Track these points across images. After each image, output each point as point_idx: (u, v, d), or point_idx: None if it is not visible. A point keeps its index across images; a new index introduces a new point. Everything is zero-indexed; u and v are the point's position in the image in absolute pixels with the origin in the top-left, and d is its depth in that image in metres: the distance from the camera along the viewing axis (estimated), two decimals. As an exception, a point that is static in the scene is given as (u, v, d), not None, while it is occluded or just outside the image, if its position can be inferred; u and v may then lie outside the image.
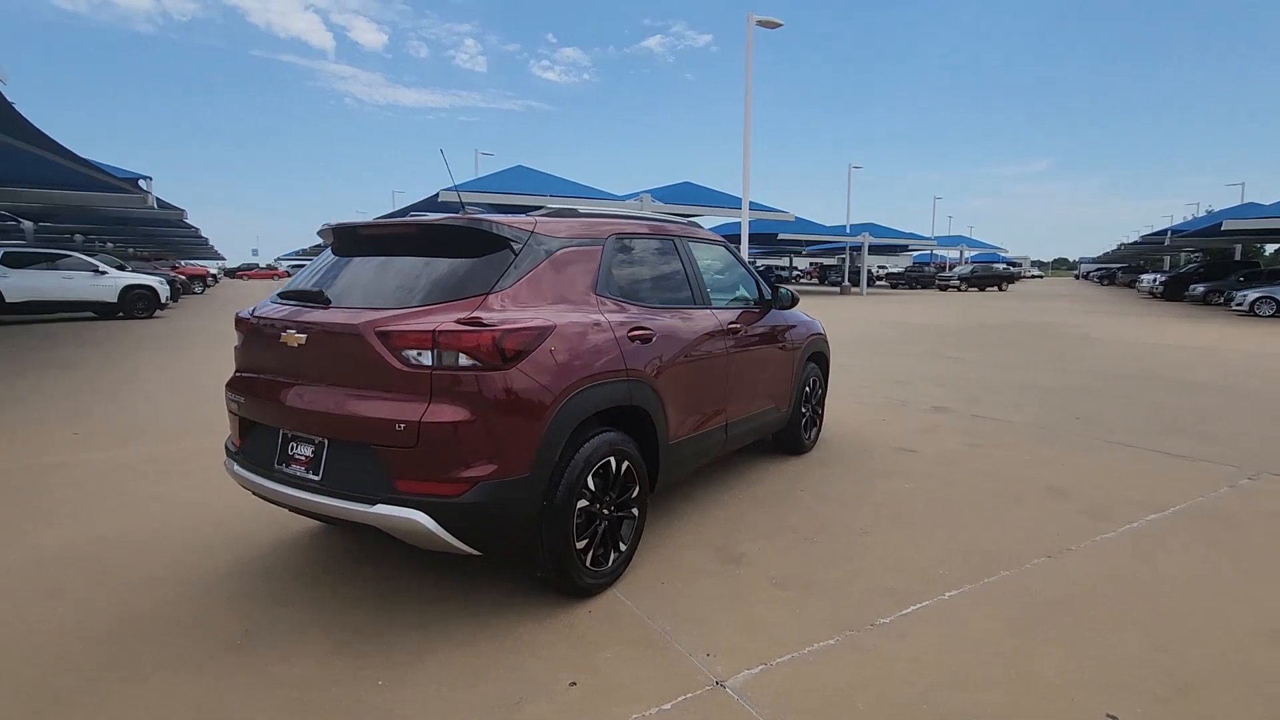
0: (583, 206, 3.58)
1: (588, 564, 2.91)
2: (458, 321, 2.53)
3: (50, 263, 16.37)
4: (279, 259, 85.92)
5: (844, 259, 41.62)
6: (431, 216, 2.98)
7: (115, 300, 17.29)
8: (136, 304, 17.67)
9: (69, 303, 16.59)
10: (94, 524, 3.81)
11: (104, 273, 17.38)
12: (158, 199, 18.26)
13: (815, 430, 5.46)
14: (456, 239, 2.89)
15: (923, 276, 43.10)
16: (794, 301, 4.78)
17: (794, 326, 5.00)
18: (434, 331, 2.49)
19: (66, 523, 3.83)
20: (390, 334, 2.53)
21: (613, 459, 3.00)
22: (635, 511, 3.20)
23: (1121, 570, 3.27)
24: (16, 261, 15.63)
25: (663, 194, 23.41)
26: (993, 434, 5.93)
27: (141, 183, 16.84)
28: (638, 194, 21.79)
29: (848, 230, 37.31)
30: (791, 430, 5.08)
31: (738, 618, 2.83)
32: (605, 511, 3.01)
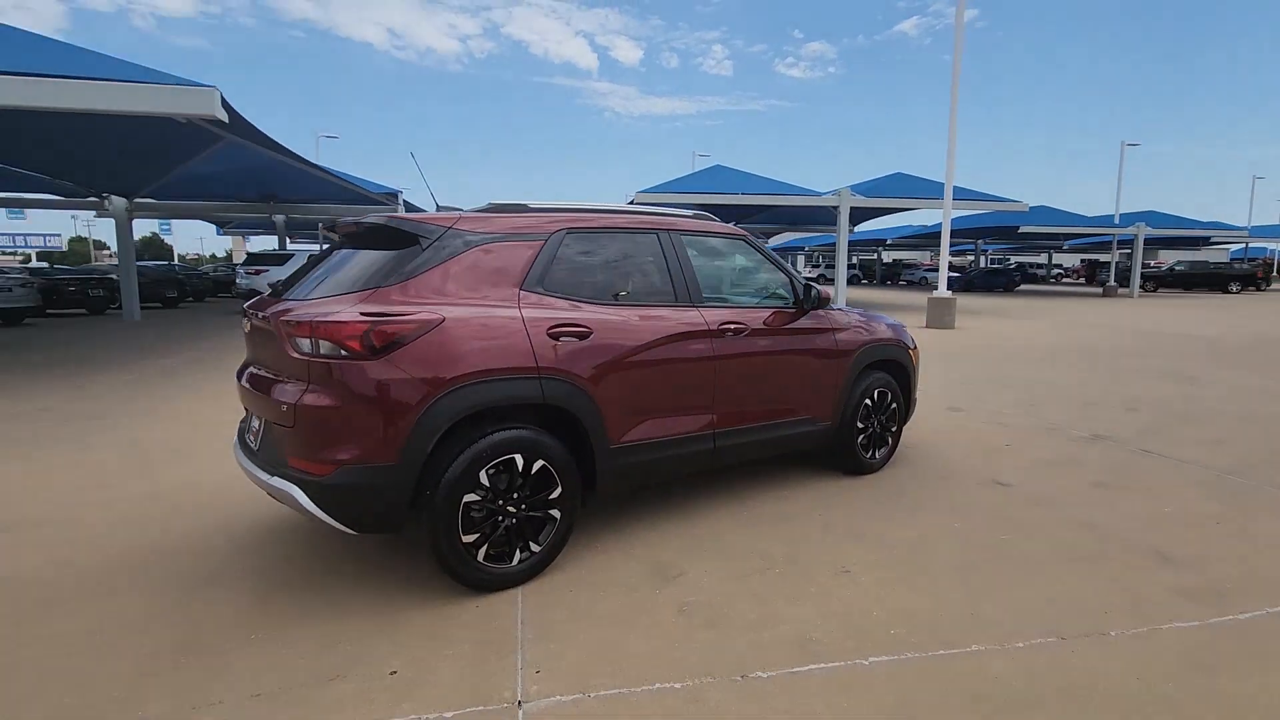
0: (563, 203, 3.53)
1: (480, 559, 2.91)
2: (338, 314, 2.70)
3: (280, 263, 20.11)
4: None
5: (1125, 254, 34.77)
6: (373, 217, 3.19)
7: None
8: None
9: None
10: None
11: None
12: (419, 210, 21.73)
13: (885, 450, 4.76)
14: (382, 236, 3.06)
15: (1207, 274, 34.11)
16: (821, 302, 4.20)
17: (843, 330, 4.41)
18: (311, 322, 2.69)
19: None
20: (286, 324, 2.78)
21: (519, 456, 2.96)
22: (556, 514, 3.11)
23: (1151, 674, 2.39)
24: (253, 261, 19.39)
25: (866, 188, 21.79)
26: (1144, 475, 4.64)
27: (401, 196, 20.03)
28: (835, 190, 20.55)
29: (1116, 220, 31.27)
30: (843, 447, 4.49)
31: (606, 639, 2.62)
32: (511, 509, 2.98)
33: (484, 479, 2.87)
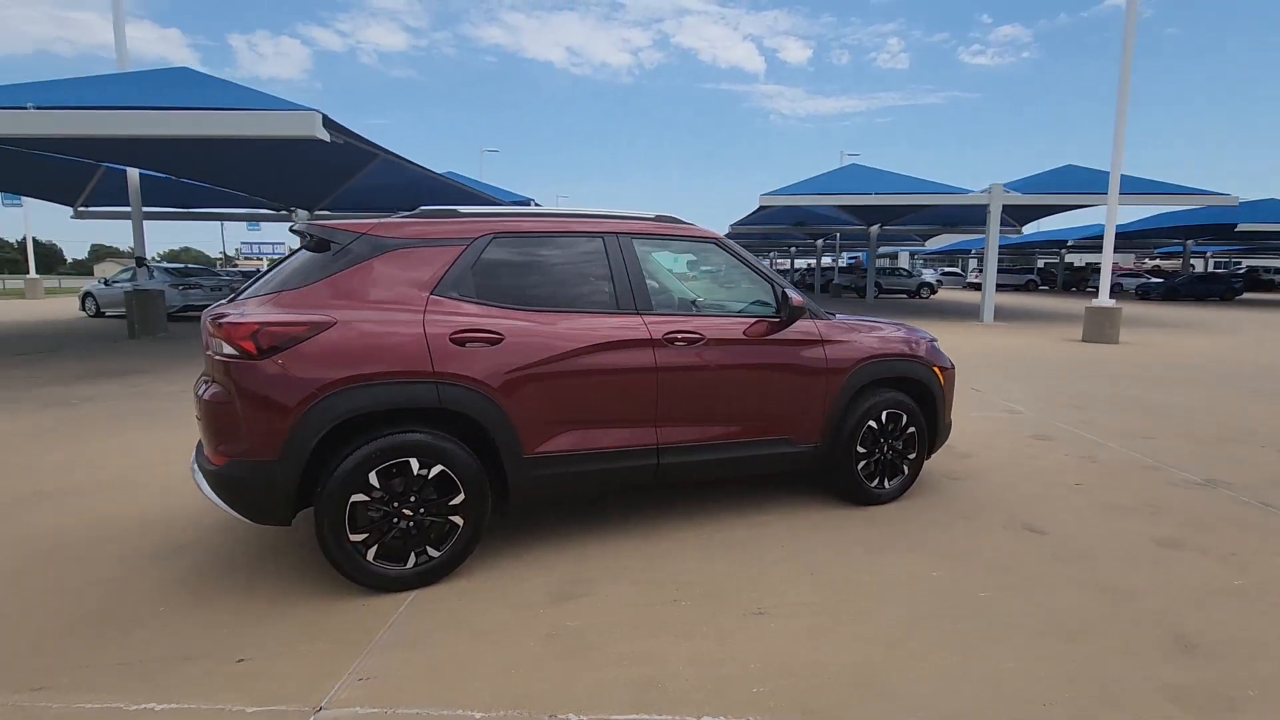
0: (527, 208, 3.51)
1: (369, 558, 2.95)
2: (237, 315, 2.87)
3: None
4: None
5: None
6: (299, 224, 3.35)
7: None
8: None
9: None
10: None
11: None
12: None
13: (900, 480, 4.19)
14: (311, 241, 3.21)
15: None
16: (794, 311, 3.74)
17: (836, 343, 3.94)
18: (215, 323, 2.88)
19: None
20: (207, 326, 3.00)
21: (414, 460, 2.96)
22: (458, 520, 3.08)
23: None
24: None
25: (1026, 184, 19.41)
26: (1240, 535, 3.67)
27: (532, 203, 21.19)
28: (986, 187, 18.51)
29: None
30: (839, 473, 4.02)
31: (458, 655, 2.54)
32: (407, 512, 2.99)
33: (374, 480, 2.90)
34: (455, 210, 3.37)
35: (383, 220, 3.23)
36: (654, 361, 3.43)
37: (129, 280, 17.15)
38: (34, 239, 33.71)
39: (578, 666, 2.48)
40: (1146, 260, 52.11)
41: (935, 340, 4.49)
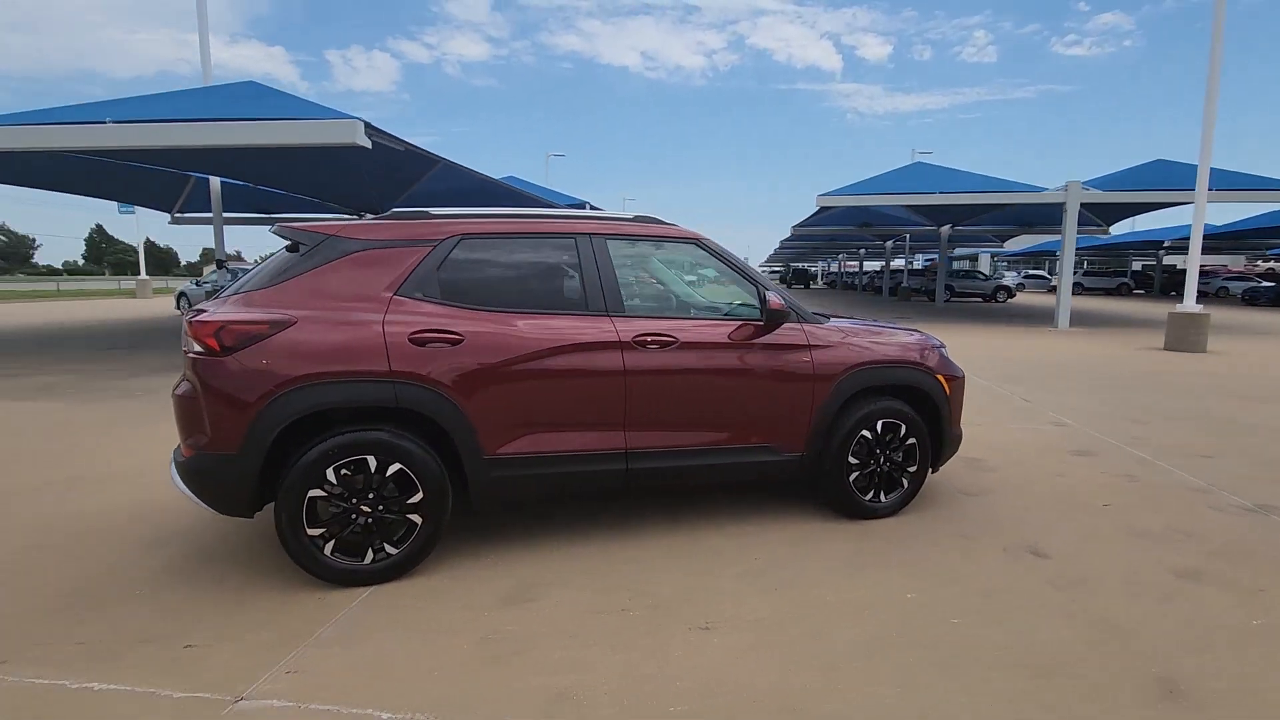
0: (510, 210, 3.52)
1: (327, 553, 3.01)
2: (206, 314, 2.99)
3: None
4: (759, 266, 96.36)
5: None
6: (298, 225, 3.45)
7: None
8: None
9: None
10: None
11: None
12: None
13: (899, 494, 3.95)
14: (287, 241, 3.32)
15: None
16: (773, 315, 3.58)
17: (825, 347, 3.75)
18: (187, 321, 3.01)
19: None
20: (185, 325, 3.14)
21: (372, 458, 3.01)
22: (417, 519, 3.11)
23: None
24: None
25: (1108, 181, 18.09)
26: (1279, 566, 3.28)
27: (587, 207, 21.41)
28: (1062, 185, 17.34)
29: None
30: (829, 484, 3.83)
31: (392, 654, 2.55)
32: (366, 509, 3.04)
33: (331, 476, 2.96)
34: (427, 212, 3.41)
35: (351, 222, 3.30)
36: (622, 364, 3.37)
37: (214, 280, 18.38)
38: (148, 243, 36.66)
39: (501, 672, 2.44)
40: (1259, 262, 47.58)
41: (943, 346, 4.22)
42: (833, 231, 32.42)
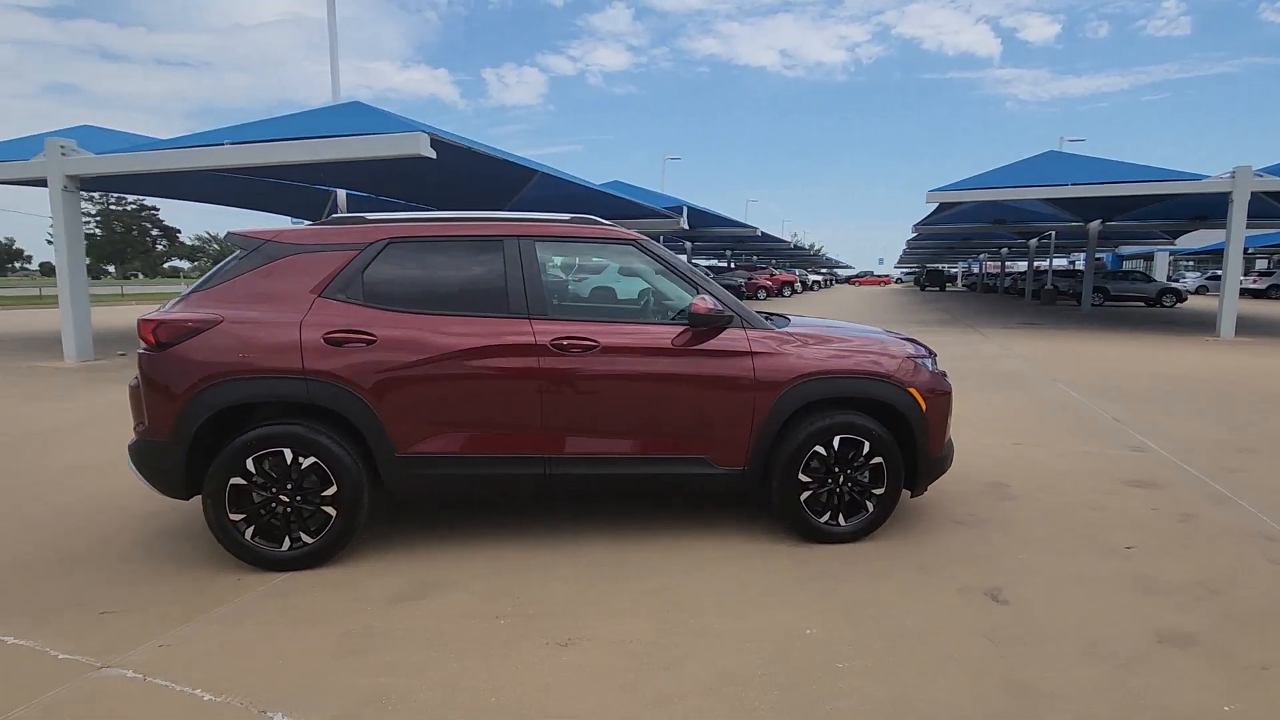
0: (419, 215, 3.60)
1: (248, 537, 3.21)
2: (149, 314, 3.29)
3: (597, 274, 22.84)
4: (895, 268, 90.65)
5: None
6: (243, 231, 3.70)
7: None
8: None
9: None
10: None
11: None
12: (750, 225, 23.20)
13: (862, 519, 3.58)
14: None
15: None
16: (700, 320, 3.34)
17: (771, 355, 3.47)
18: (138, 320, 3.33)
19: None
20: None
21: (288, 451, 3.18)
22: (331, 511, 3.24)
23: None
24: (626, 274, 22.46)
25: (1291, 163, 15.27)
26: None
27: (685, 209, 21.34)
28: (1230, 171, 14.83)
29: None
30: (780, 502, 3.54)
31: (252, 638, 2.67)
32: (284, 498, 3.21)
33: (250, 466, 3.16)
34: (363, 217, 3.55)
35: (287, 229, 3.51)
36: (538, 367, 3.32)
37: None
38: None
39: (344, 668, 2.49)
40: None
41: (928, 356, 3.77)
42: (963, 230, 30.00)
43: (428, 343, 3.27)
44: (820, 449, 3.51)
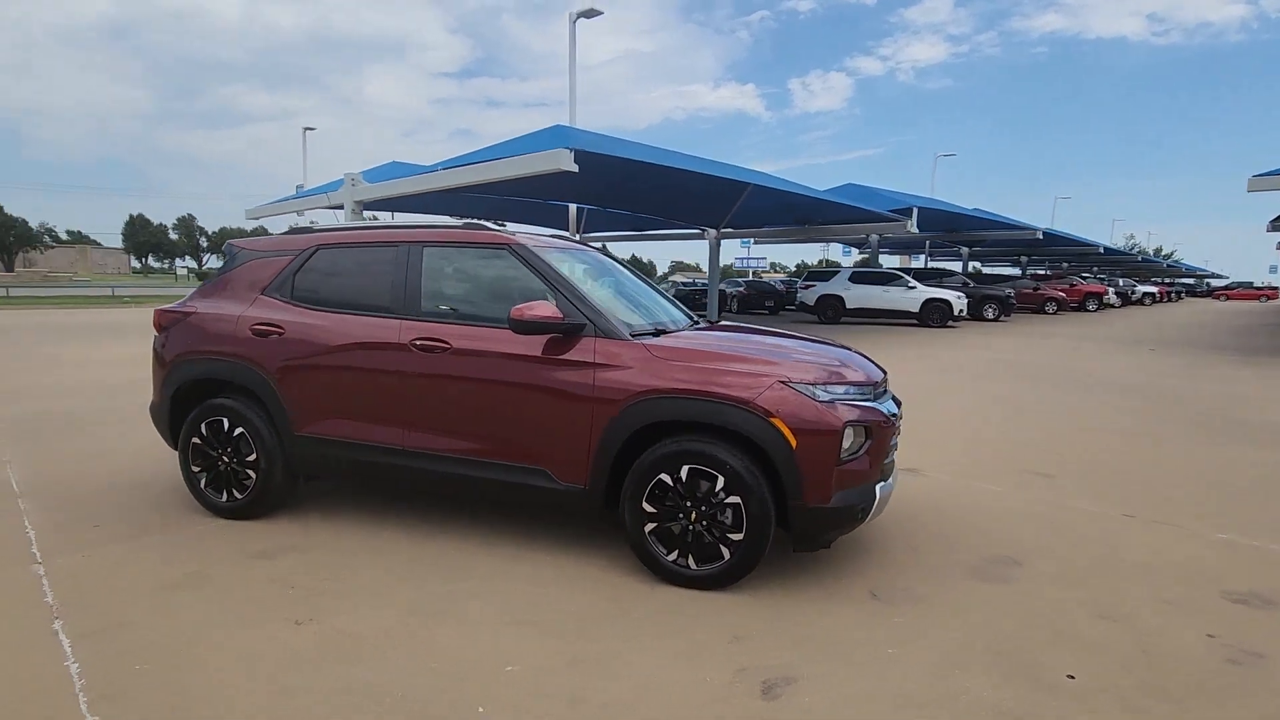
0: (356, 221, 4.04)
1: (202, 486, 3.96)
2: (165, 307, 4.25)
3: (825, 279, 21.39)
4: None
5: None
6: (233, 240, 4.50)
7: (917, 310, 20.70)
8: (932, 314, 20.51)
9: (889, 310, 21.11)
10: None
11: (913, 288, 21.08)
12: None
13: (718, 566, 3.07)
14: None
15: None
16: (520, 327, 3.13)
17: (617, 368, 3.17)
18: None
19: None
20: None
21: (225, 419, 3.87)
22: (251, 474, 3.84)
23: None
24: (811, 276, 21.25)
25: None
26: None
27: (915, 211, 19.22)
28: None
29: None
30: (631, 532, 3.22)
31: (108, 567, 3.26)
32: (225, 459, 3.91)
33: (203, 430, 3.92)
34: (310, 226, 4.13)
35: (253, 237, 4.23)
36: (399, 365, 3.53)
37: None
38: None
39: (118, 602, 2.93)
40: None
41: (845, 385, 3.10)
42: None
43: (319, 338, 3.70)
44: (665, 477, 3.11)
